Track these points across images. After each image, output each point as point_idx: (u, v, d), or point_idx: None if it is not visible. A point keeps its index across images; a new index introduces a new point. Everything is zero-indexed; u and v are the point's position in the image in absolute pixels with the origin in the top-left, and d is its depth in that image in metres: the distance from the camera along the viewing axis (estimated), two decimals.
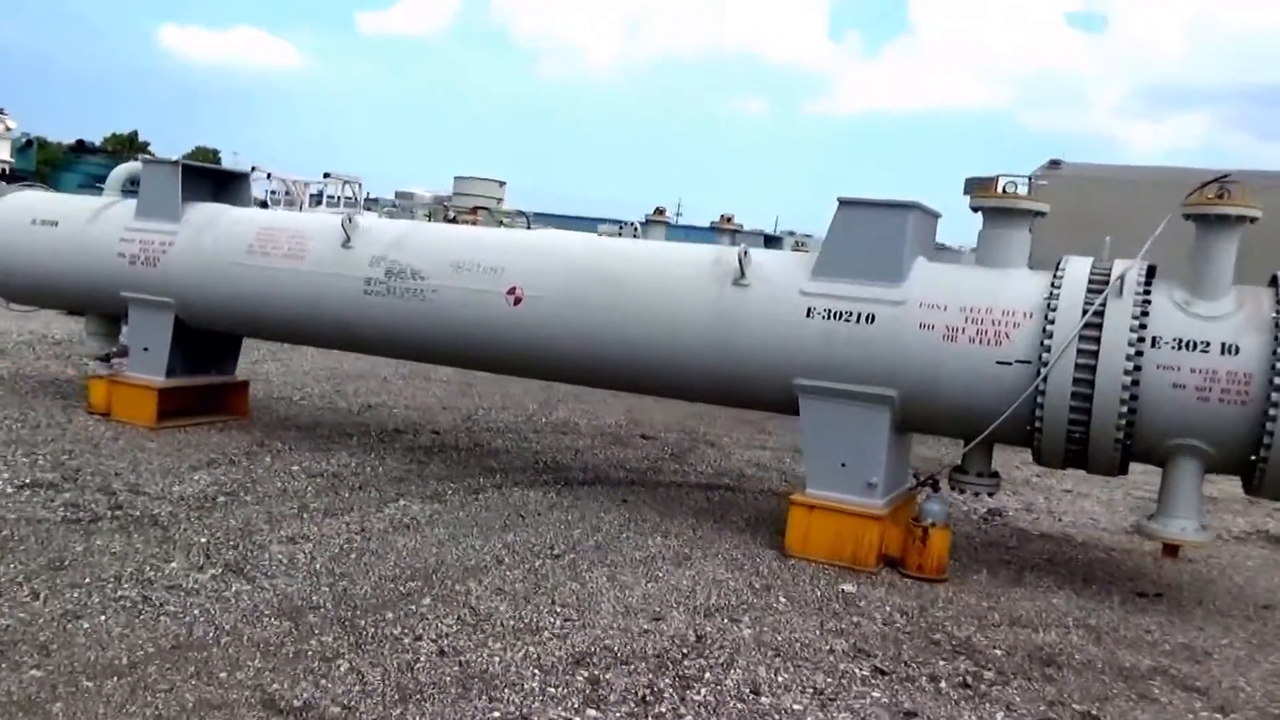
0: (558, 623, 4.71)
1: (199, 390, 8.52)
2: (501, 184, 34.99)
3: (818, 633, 4.90)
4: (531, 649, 4.39)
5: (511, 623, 4.66)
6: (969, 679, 4.48)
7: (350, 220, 7.44)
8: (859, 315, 5.92)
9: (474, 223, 20.57)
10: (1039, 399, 5.50)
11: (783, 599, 5.33)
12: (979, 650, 4.85)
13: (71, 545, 5.21)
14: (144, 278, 8.12)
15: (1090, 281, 5.57)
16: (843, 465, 6.03)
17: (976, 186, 6.10)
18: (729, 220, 16.82)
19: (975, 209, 6.11)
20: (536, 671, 4.17)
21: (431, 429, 9.05)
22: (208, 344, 8.47)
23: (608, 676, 4.19)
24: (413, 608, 4.74)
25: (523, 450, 8.53)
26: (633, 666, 4.31)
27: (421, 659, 4.20)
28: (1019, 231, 5.96)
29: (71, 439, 7.42)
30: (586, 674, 4.19)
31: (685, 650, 4.52)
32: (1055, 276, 5.67)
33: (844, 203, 6.13)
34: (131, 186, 9.09)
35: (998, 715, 4.18)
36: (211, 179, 8.60)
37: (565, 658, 4.34)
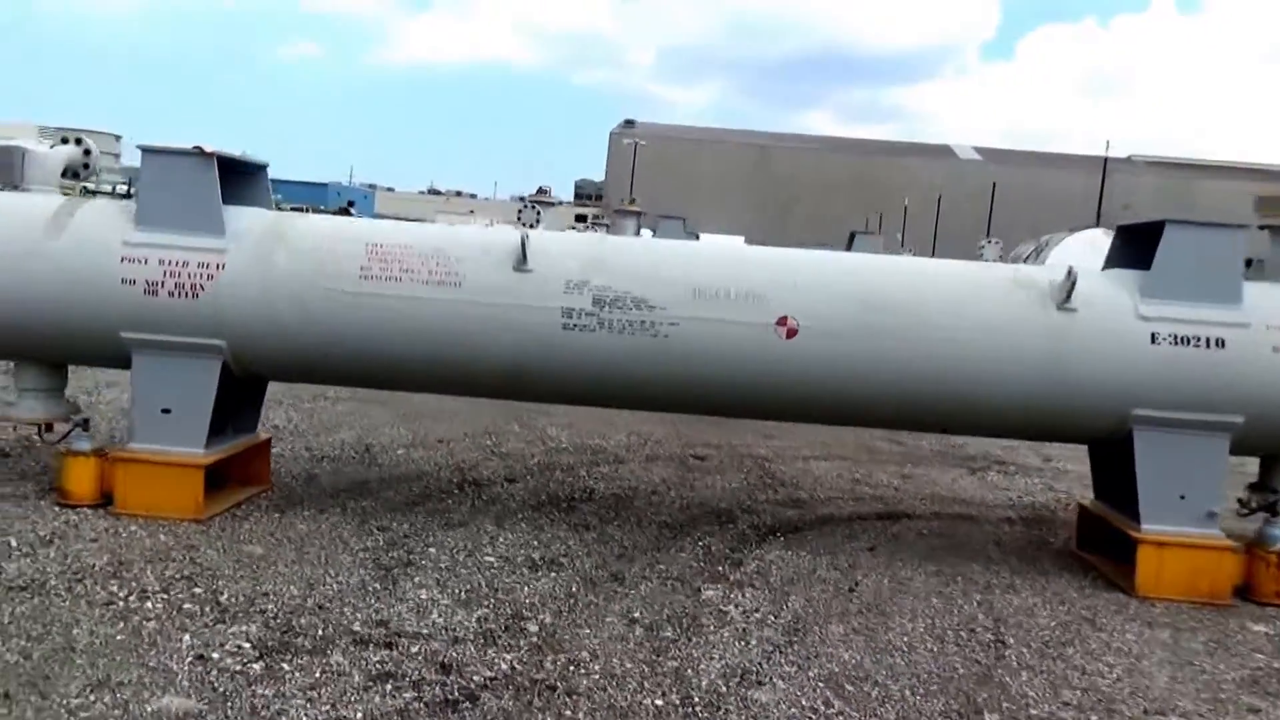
0: None
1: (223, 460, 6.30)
2: (117, 138, 29.87)
3: None
4: None
5: None
6: None
7: (527, 235, 5.80)
8: (1208, 340, 5.65)
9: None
10: None
11: (1261, 656, 4.96)
12: None
13: None
14: (174, 314, 5.79)
15: None
16: (1181, 497, 5.77)
17: (1267, 204, 6.04)
18: (546, 193, 15.77)
19: (1264, 227, 6.05)
20: None
21: (504, 476, 7.44)
22: (230, 395, 6.26)
23: None
24: None
25: (642, 492, 7.26)
26: None
27: None
28: None
29: (148, 556, 5.19)
30: None
31: None
32: None
33: (1173, 223, 5.79)
34: (72, 179, 6.48)
35: None
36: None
37: None
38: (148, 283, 5.78)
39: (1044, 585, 5.79)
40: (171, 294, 5.78)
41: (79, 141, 6.33)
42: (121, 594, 4.68)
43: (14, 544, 5.21)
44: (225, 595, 4.77)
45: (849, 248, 14.32)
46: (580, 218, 61.43)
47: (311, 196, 60.32)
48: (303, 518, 6.06)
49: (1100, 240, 29.64)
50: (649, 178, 68.62)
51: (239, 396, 6.38)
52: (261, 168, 6.46)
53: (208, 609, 4.60)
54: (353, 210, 41.92)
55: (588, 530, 6.24)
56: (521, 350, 5.76)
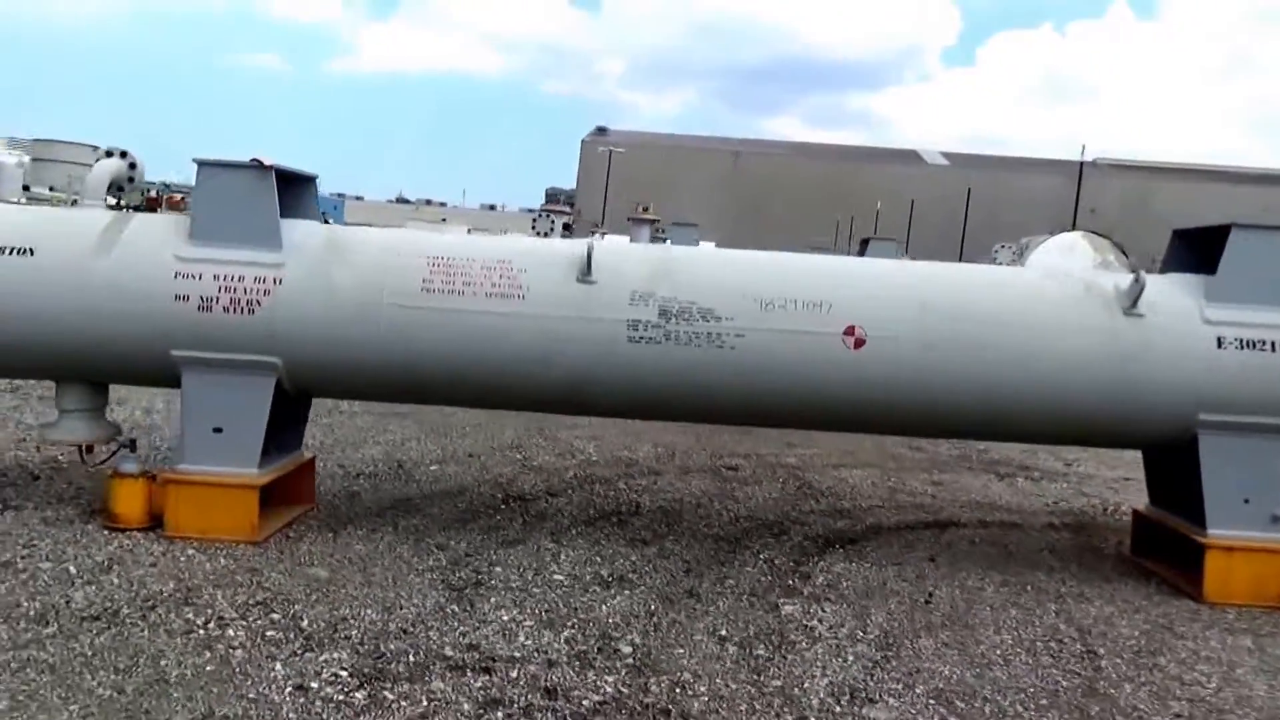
0: None
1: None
2: (94, 149, 29.43)
3: None
4: None
5: None
6: None
7: (593, 246, 5.71)
8: (1274, 344, 5.67)
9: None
10: None
11: None
12: None
13: None
14: (228, 330, 5.64)
15: None
16: (1245, 501, 5.78)
17: None
18: (557, 201, 15.61)
19: None
20: None
21: (545, 491, 7.33)
22: (277, 414, 6.09)
23: None
24: None
25: (687, 505, 7.18)
26: None
27: None
28: None
29: (214, 581, 5.03)
30: None
31: None
32: None
33: (1239, 227, 5.81)
34: (118, 194, 6.30)
35: None
36: None
37: None
38: (202, 299, 5.63)
39: (1112, 593, 5.77)
40: (226, 310, 5.63)
41: (124, 155, 6.14)
42: (199, 621, 4.53)
43: (74, 570, 5.05)
44: (305, 621, 4.63)
45: (861, 254, 14.31)
46: None
47: None
48: (358, 537, 5.92)
49: (1080, 244, 29.84)
50: (622, 184, 68.61)
51: (285, 414, 6.23)
52: (310, 179, 6.33)
53: (292, 636, 4.47)
54: (328, 219, 41.56)
55: (646, 545, 6.15)
56: (586, 363, 5.67)
